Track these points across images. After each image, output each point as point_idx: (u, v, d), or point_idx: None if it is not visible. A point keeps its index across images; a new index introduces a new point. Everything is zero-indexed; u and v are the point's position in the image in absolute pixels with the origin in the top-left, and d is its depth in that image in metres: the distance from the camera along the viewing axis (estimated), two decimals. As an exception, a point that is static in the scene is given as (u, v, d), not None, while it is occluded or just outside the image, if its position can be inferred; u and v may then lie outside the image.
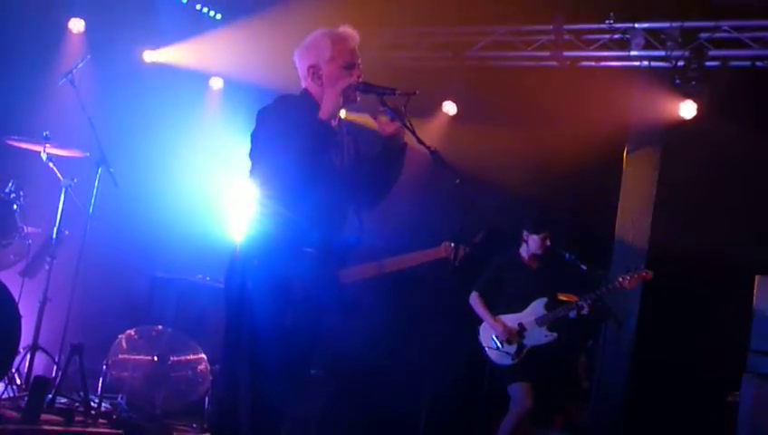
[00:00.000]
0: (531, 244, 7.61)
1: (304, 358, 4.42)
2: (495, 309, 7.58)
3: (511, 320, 7.51)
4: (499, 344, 7.46)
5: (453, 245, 4.97)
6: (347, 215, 4.49)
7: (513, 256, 7.73)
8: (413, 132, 4.37)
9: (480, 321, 7.65)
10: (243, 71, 9.53)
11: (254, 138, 4.36)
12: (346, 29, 4.49)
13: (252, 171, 4.33)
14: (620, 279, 7.31)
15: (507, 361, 7.45)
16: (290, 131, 4.18)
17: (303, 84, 4.53)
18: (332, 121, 4.41)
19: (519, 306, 7.54)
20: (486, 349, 7.56)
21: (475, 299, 7.66)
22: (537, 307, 7.49)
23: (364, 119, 4.51)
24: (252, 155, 4.35)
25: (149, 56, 9.43)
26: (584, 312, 7.31)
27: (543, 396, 7.37)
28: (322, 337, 4.43)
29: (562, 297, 7.55)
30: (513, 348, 7.43)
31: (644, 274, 7.32)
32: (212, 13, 9.93)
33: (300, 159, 4.14)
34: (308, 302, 4.27)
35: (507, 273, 7.70)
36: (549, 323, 7.41)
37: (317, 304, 4.32)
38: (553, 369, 7.51)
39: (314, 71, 4.44)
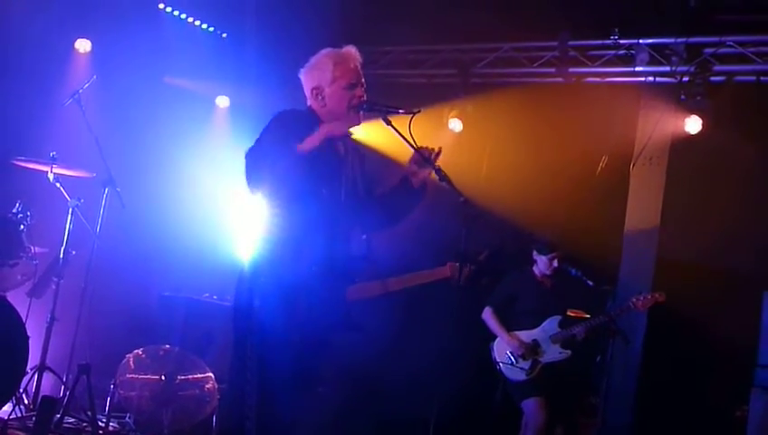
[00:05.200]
0: (540, 264, 7.65)
1: (312, 375, 4.40)
2: (508, 325, 7.59)
3: (525, 336, 7.52)
4: (513, 360, 7.46)
5: (458, 264, 4.97)
6: (351, 232, 4.49)
7: (528, 273, 7.74)
8: (418, 151, 4.39)
9: (492, 336, 7.64)
10: (249, 89, 9.56)
11: (251, 152, 4.28)
12: (348, 49, 4.52)
13: (249, 186, 4.27)
14: (634, 300, 7.31)
15: (521, 376, 7.45)
16: (289, 141, 4.16)
17: (309, 102, 4.56)
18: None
19: (532, 323, 7.56)
20: (500, 364, 7.56)
21: (488, 314, 7.67)
22: (551, 325, 7.50)
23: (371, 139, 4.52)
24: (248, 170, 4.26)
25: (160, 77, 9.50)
26: (589, 334, 7.34)
27: (554, 410, 7.36)
28: (329, 354, 4.43)
29: (571, 313, 7.55)
30: (527, 364, 7.44)
31: (657, 295, 7.30)
32: (218, 31, 9.97)
33: (300, 168, 4.12)
34: (315, 319, 4.28)
35: (521, 289, 7.72)
36: (563, 341, 7.41)
37: (324, 321, 4.32)
38: (564, 383, 7.50)
39: (318, 92, 4.47)
